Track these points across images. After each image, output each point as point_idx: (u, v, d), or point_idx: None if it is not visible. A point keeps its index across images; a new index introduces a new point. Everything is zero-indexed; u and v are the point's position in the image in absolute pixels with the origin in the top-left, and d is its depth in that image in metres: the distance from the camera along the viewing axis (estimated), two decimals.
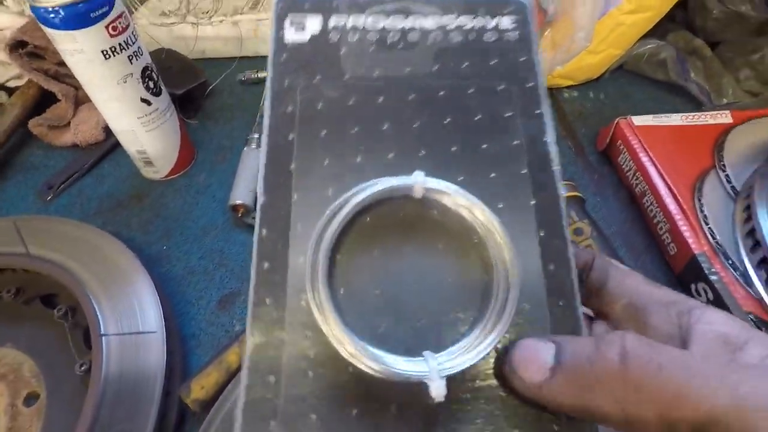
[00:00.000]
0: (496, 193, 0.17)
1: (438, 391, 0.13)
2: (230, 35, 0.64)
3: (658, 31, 0.55)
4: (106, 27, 0.39)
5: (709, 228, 0.39)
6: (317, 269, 0.15)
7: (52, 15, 0.37)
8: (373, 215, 0.16)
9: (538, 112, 0.18)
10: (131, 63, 0.42)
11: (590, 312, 0.19)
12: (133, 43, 0.41)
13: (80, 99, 0.56)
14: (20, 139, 0.56)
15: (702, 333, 0.15)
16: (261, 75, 0.61)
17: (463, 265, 0.16)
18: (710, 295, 0.35)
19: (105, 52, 0.39)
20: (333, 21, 0.18)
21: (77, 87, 0.57)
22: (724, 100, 0.51)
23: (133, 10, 0.64)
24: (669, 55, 0.52)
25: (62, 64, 0.56)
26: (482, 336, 0.15)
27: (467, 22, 0.19)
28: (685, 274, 0.38)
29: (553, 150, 0.18)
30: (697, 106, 0.52)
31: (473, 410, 0.15)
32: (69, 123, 0.54)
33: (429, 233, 0.16)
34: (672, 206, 0.40)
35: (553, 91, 0.57)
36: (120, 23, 0.40)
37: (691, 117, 0.47)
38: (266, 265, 0.16)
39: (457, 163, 0.17)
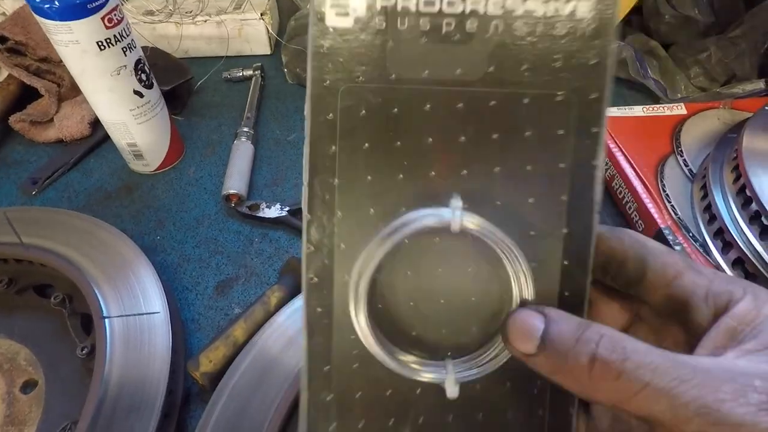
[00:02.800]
0: (530, 220, 0.17)
1: (452, 393, 0.16)
2: (214, 35, 0.65)
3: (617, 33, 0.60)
4: (102, 18, 0.39)
5: (671, 205, 0.43)
6: (360, 302, 0.16)
7: (47, 5, 0.37)
8: (411, 240, 0.17)
9: (594, 130, 0.16)
10: (125, 55, 0.42)
11: None
12: (127, 36, 0.42)
13: (62, 95, 0.56)
14: (0, 135, 0.55)
15: (716, 328, 0.16)
16: (246, 73, 0.63)
17: (489, 289, 0.17)
18: None
19: (100, 44, 0.40)
20: (380, 2, 0.15)
21: (59, 83, 0.56)
22: (678, 95, 0.56)
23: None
24: (629, 55, 0.57)
25: (43, 60, 0.56)
26: (497, 349, 0.17)
27: (537, 7, 0.15)
28: None
29: (599, 174, 0.16)
30: (656, 100, 0.57)
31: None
32: (52, 119, 0.54)
33: (460, 258, 0.17)
34: (639, 187, 0.44)
35: None
36: (115, 15, 0.40)
37: (651, 109, 0.51)
38: (314, 279, 0.17)
39: (498, 186, 0.16)
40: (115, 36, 0.41)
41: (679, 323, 0.17)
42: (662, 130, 0.50)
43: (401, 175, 0.16)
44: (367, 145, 0.16)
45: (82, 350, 0.35)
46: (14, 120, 0.53)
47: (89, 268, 0.37)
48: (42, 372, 0.36)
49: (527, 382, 0.18)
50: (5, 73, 0.56)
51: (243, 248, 0.45)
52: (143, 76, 0.45)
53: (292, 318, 0.35)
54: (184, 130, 0.55)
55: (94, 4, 0.38)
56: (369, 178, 0.16)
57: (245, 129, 0.53)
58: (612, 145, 0.48)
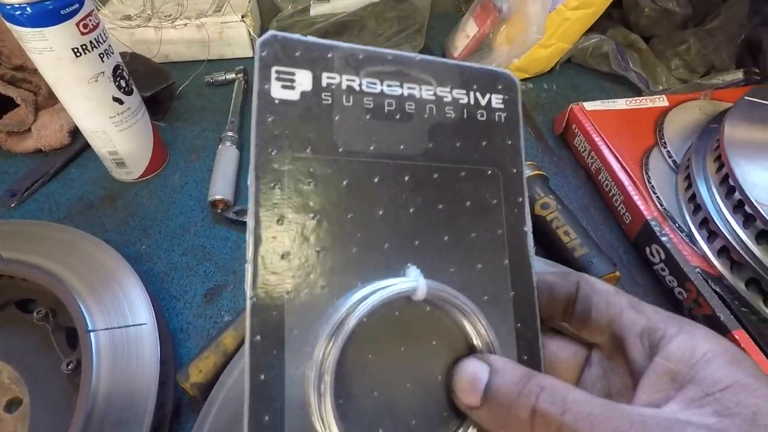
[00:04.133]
0: (481, 286, 0.17)
1: None
2: (194, 38, 0.64)
3: (598, 27, 0.61)
4: (77, 24, 0.38)
5: (657, 196, 0.43)
6: (325, 399, 0.14)
7: (18, 12, 0.36)
8: (369, 318, 0.15)
9: (519, 200, 0.18)
10: (102, 61, 0.41)
11: None
12: (104, 41, 0.41)
13: (40, 104, 0.55)
14: None
15: (654, 369, 0.16)
16: (228, 77, 0.62)
17: (455, 362, 0.17)
18: (662, 255, 0.39)
19: (76, 50, 0.39)
20: (326, 79, 0.16)
21: (35, 92, 0.55)
22: (660, 87, 0.57)
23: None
24: (610, 48, 0.58)
25: (19, 68, 0.55)
26: None
27: (461, 96, 0.18)
28: (639, 239, 0.42)
29: (530, 240, 0.18)
30: (638, 92, 0.58)
31: None
32: (30, 128, 0.53)
33: (422, 330, 0.16)
34: (624, 179, 0.44)
35: None
36: (91, 21, 0.39)
37: (634, 101, 0.52)
38: (261, 376, 0.14)
39: (448, 253, 0.17)
40: (91, 42, 0.40)
41: (623, 364, 0.18)
42: (645, 122, 0.50)
43: (355, 249, 0.16)
44: (317, 218, 0.16)
45: (67, 365, 0.34)
46: None
47: (72, 281, 0.36)
48: (26, 389, 0.35)
49: None
50: None
51: (231, 254, 0.44)
52: (122, 83, 0.44)
53: None
54: (167, 136, 0.55)
55: (67, 10, 0.37)
56: (321, 254, 0.15)
57: (229, 133, 0.52)
58: (597, 139, 0.48)
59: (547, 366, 0.19)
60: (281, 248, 0.15)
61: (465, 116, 0.18)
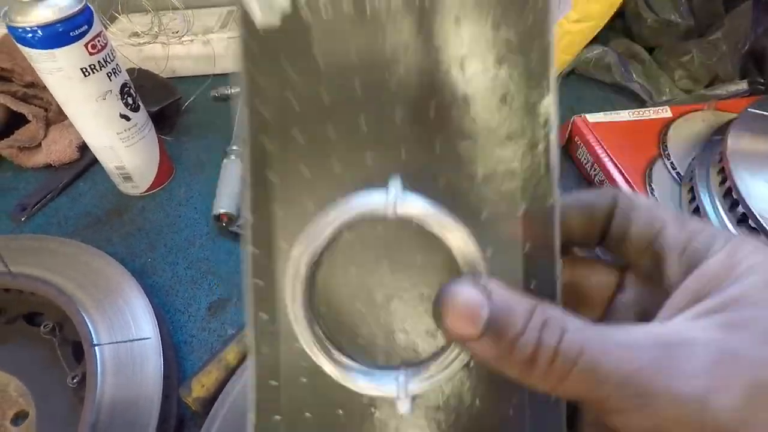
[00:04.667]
0: (482, 197, 0.16)
1: (405, 408, 0.15)
2: (201, 54, 0.65)
3: (600, 38, 0.61)
4: (85, 45, 0.39)
5: None
6: (296, 295, 0.15)
7: (30, 35, 0.37)
8: (351, 231, 0.16)
9: (545, 82, 0.15)
10: (110, 80, 0.42)
11: None
12: (112, 61, 0.42)
13: (50, 120, 0.56)
14: None
15: (683, 288, 0.14)
16: (234, 91, 0.63)
17: (440, 280, 0.16)
18: None
19: (84, 70, 0.40)
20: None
21: (46, 108, 0.56)
22: (664, 98, 0.56)
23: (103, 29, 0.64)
24: (613, 59, 0.58)
25: (30, 85, 0.56)
26: (454, 353, 0.15)
27: None
28: None
29: (553, 139, 0.15)
30: (642, 103, 0.58)
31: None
32: (40, 144, 0.54)
33: (407, 247, 0.16)
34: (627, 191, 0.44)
35: None
36: (99, 41, 0.40)
37: (637, 113, 0.52)
38: (258, 282, 0.16)
39: (439, 164, 0.15)
40: (99, 62, 0.41)
41: (660, 285, 0.15)
42: (649, 133, 0.50)
43: (337, 166, 0.15)
44: (302, 138, 0.15)
45: (72, 379, 0.35)
46: (2, 146, 0.53)
47: (79, 296, 0.37)
48: (33, 402, 0.35)
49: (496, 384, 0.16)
50: None
51: (235, 268, 0.44)
52: (129, 100, 0.45)
53: None
54: (173, 151, 0.55)
55: (77, 32, 0.39)
56: (306, 172, 0.15)
57: (234, 147, 0.53)
58: (600, 151, 0.48)
59: (576, 290, 0.17)
60: (269, 169, 0.16)
61: None
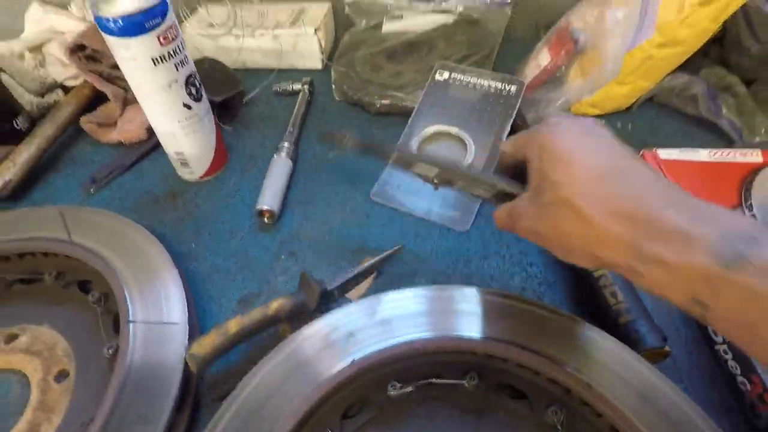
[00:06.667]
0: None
1: None
2: (270, 48, 0.67)
3: (690, 65, 0.55)
4: (158, 36, 0.42)
5: None
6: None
7: (111, 24, 0.40)
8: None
9: None
10: (177, 70, 0.45)
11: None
12: (181, 52, 0.45)
13: (128, 100, 0.60)
14: (72, 135, 0.60)
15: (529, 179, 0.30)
16: (295, 87, 0.64)
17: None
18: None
19: (155, 59, 0.43)
20: None
21: (126, 89, 0.61)
22: (757, 138, 0.50)
23: (183, 19, 0.68)
24: (700, 90, 0.52)
25: (115, 67, 0.60)
26: None
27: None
28: None
29: None
30: (728, 142, 0.52)
31: None
32: (116, 122, 0.58)
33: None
34: None
35: None
36: (170, 33, 0.43)
37: (719, 153, 0.46)
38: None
39: None
40: (169, 53, 0.43)
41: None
42: (730, 178, 0.45)
43: None
44: None
45: (108, 350, 0.37)
46: (84, 121, 0.58)
47: (124, 273, 0.40)
48: (74, 364, 0.39)
49: None
50: (81, 78, 0.61)
51: (269, 264, 0.45)
52: (193, 90, 0.47)
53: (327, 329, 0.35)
54: (231, 141, 0.58)
55: (151, 23, 0.41)
56: None
57: (286, 144, 0.54)
58: None
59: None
60: None
61: None
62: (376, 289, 0.42)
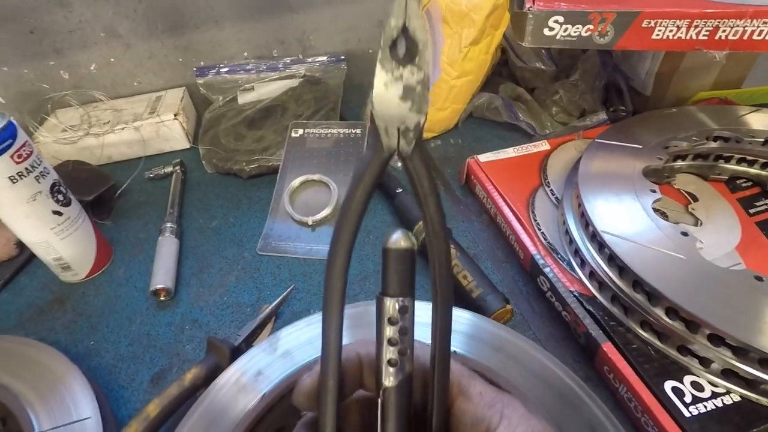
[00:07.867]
0: None
1: None
2: (133, 139, 0.70)
3: (491, 83, 0.70)
4: (11, 156, 0.44)
5: (542, 232, 0.50)
6: None
7: None
8: None
9: None
10: (39, 182, 0.47)
11: None
12: (39, 164, 0.47)
13: None
14: None
15: None
16: (167, 170, 0.68)
17: None
18: (548, 284, 0.46)
19: (12, 178, 0.44)
20: None
21: None
22: (546, 131, 0.65)
23: (33, 131, 0.68)
24: (499, 103, 0.66)
25: None
26: None
27: None
28: (532, 271, 0.49)
29: None
30: (528, 138, 0.66)
31: None
32: None
33: None
34: (513, 220, 0.51)
35: (422, 143, 0.69)
36: (24, 151, 0.45)
37: (520, 149, 0.60)
38: None
39: None
40: (26, 168, 0.45)
41: None
42: (532, 166, 0.58)
43: None
44: None
45: None
46: None
47: (21, 389, 0.40)
48: None
49: None
50: None
51: (175, 337, 0.48)
52: (60, 197, 0.49)
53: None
54: (112, 234, 0.59)
55: (2, 146, 0.43)
56: None
57: (168, 224, 0.57)
58: (490, 187, 0.55)
59: None
60: None
61: None
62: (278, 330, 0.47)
